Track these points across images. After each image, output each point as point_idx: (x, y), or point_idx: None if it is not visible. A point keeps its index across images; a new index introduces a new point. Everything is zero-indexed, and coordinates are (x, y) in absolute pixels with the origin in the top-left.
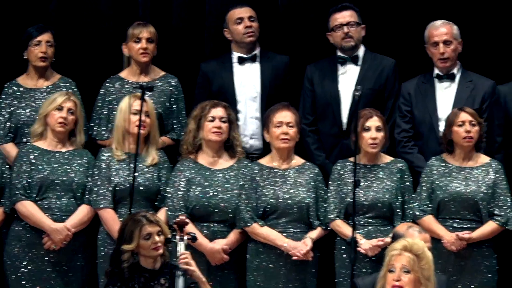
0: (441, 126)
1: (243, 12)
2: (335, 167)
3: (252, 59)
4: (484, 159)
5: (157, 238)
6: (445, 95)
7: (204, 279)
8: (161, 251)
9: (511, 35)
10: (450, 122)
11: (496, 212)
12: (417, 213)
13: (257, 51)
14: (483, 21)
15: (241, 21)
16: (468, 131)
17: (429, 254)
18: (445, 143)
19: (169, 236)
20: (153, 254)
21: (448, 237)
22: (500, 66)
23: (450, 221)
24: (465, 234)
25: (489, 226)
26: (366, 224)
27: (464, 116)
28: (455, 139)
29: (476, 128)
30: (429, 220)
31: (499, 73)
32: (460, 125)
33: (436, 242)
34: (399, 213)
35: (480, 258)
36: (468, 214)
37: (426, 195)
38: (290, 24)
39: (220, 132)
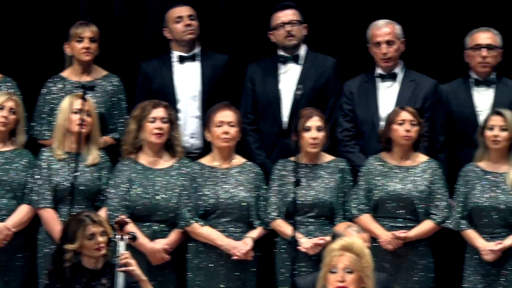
0: (383, 126)
1: (183, 10)
2: (276, 166)
3: (192, 58)
4: (422, 158)
5: (100, 239)
6: (387, 94)
7: (144, 279)
8: (103, 251)
9: (453, 34)
10: (390, 120)
11: (433, 211)
12: (354, 212)
13: (197, 50)
14: (425, 20)
15: (180, 19)
16: (408, 130)
17: (368, 253)
18: (383, 141)
19: (112, 236)
20: (96, 255)
21: (384, 236)
22: (442, 65)
23: (387, 220)
24: (401, 233)
25: (426, 225)
26: (307, 224)
27: (404, 115)
28: (394, 137)
29: (416, 128)
30: (366, 219)
31: (442, 72)
32: (400, 124)
33: (373, 241)
34: (340, 213)
35: (416, 257)
36: (405, 213)
37: (363, 194)
38: (231, 22)
39: (161, 133)
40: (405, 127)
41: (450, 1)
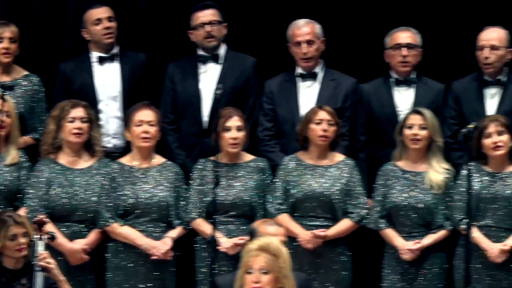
0: None
1: (101, 12)
2: (196, 166)
3: (111, 59)
4: (339, 157)
5: (22, 240)
6: (307, 93)
7: (63, 279)
8: (25, 252)
9: (373, 33)
10: (308, 119)
11: (350, 209)
12: (273, 211)
13: (116, 50)
14: (345, 20)
15: (99, 22)
16: (325, 130)
17: (286, 252)
18: (300, 139)
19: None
20: (17, 255)
21: (303, 235)
22: (363, 64)
23: (306, 219)
24: (321, 232)
25: (344, 224)
26: (227, 223)
27: (322, 115)
28: (311, 136)
29: (333, 128)
30: (284, 219)
31: (362, 72)
32: (317, 123)
33: (291, 240)
34: (260, 212)
35: (335, 256)
36: (323, 212)
37: (281, 194)
38: (150, 21)
39: (81, 133)
40: (322, 127)
41: (369, 1)
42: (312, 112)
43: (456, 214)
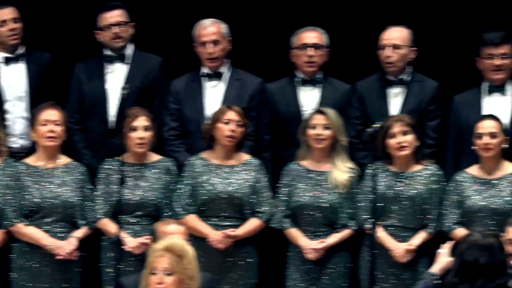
0: None
1: (7, 13)
2: (102, 166)
3: (17, 59)
4: (245, 157)
5: None
6: (213, 93)
7: None
8: None
9: (279, 33)
10: (215, 118)
11: (258, 209)
12: (180, 211)
13: (21, 51)
14: (251, 19)
15: (4, 23)
16: (233, 131)
17: (191, 253)
18: (207, 138)
19: None
20: None
21: (214, 235)
22: (269, 64)
23: (214, 219)
24: (231, 232)
25: (253, 223)
26: (133, 223)
27: (231, 115)
28: (218, 136)
29: (241, 129)
30: (193, 219)
31: (269, 72)
32: (225, 123)
33: (200, 240)
34: (166, 212)
35: (242, 255)
36: (231, 212)
37: (188, 194)
38: (57, 21)
39: None
40: (230, 127)
41: (275, 0)
42: (220, 112)
43: (361, 213)
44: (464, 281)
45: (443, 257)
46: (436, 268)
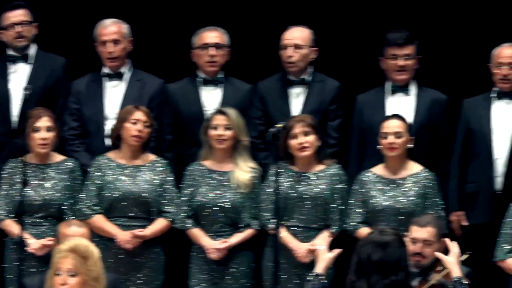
0: (108, 125)
1: None
2: (5, 166)
3: None
4: (151, 157)
5: None
6: (113, 94)
7: None
8: None
9: (181, 33)
10: (123, 118)
11: (165, 209)
12: (87, 212)
13: None
14: (152, 20)
15: None
16: (140, 131)
17: (95, 254)
18: (113, 137)
19: None
20: None
21: (121, 235)
22: (171, 64)
23: (121, 219)
24: (138, 232)
25: (160, 223)
26: (37, 224)
27: (138, 115)
28: (124, 135)
29: (148, 130)
30: (99, 219)
31: (171, 72)
32: (133, 123)
33: (106, 241)
34: (70, 213)
35: (149, 256)
36: (138, 212)
37: (94, 194)
38: None
39: None
40: (137, 127)
41: (177, 1)
42: (127, 112)
43: (264, 214)
44: (360, 278)
45: (323, 254)
46: (320, 267)
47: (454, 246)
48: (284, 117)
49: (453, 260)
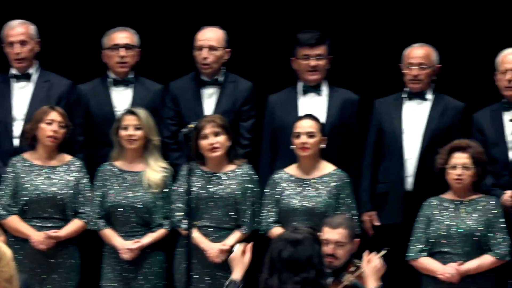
0: (16, 126)
1: None
2: None
3: None
4: (67, 157)
5: None
6: (21, 95)
7: None
8: None
9: (91, 33)
10: (38, 118)
11: (80, 209)
12: (1, 213)
13: None
14: (61, 21)
15: None
16: (55, 131)
17: (8, 255)
18: (28, 138)
19: None
20: None
21: (35, 236)
22: (81, 65)
23: (36, 220)
24: (53, 233)
25: (75, 224)
26: None
27: (53, 116)
28: (40, 136)
29: (63, 130)
30: (14, 220)
31: (81, 72)
32: (48, 124)
33: (22, 241)
34: None
35: (64, 257)
36: (54, 212)
37: (9, 195)
38: None
39: None
40: (53, 128)
41: (85, 1)
42: (43, 112)
43: (175, 214)
44: (272, 275)
45: (238, 259)
46: (237, 274)
47: (375, 259)
48: (197, 118)
49: (369, 272)
